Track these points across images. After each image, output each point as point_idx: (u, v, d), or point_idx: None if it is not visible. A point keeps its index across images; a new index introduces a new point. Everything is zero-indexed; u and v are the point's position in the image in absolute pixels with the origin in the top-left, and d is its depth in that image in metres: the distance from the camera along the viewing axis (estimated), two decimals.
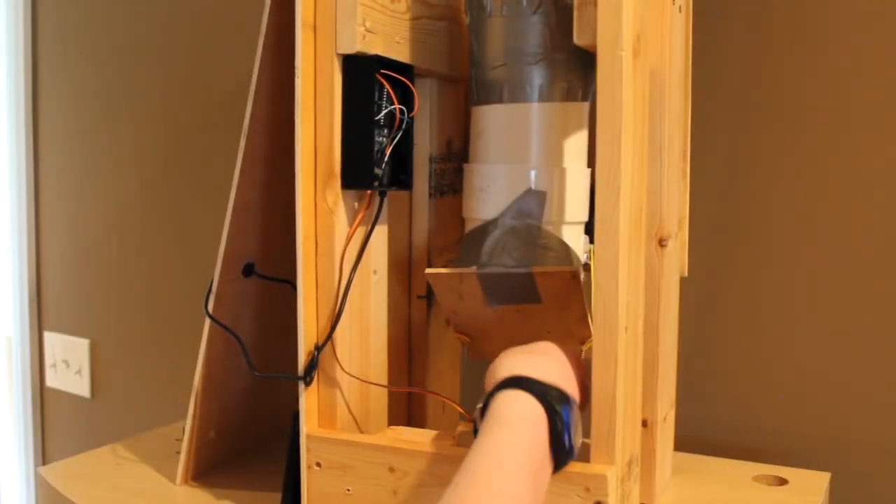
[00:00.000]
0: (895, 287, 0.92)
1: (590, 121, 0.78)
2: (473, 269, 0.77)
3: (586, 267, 0.76)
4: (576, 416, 0.62)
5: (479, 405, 0.63)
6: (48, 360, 1.74)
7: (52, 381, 1.74)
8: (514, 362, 0.65)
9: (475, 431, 0.62)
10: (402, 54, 0.77)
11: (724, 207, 1.00)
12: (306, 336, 0.75)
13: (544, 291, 0.76)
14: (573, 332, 0.79)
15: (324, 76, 0.73)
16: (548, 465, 0.60)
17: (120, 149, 1.57)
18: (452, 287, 0.78)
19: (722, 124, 1.00)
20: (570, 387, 0.65)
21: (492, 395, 0.61)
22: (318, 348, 0.75)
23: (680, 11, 0.82)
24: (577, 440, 0.62)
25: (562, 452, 0.60)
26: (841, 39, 0.93)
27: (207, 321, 0.88)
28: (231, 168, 0.85)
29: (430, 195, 0.87)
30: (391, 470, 0.72)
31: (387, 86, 0.75)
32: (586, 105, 0.78)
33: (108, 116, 1.58)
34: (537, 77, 0.75)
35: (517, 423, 0.59)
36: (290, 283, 0.77)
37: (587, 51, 0.70)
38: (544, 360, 0.66)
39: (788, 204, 0.97)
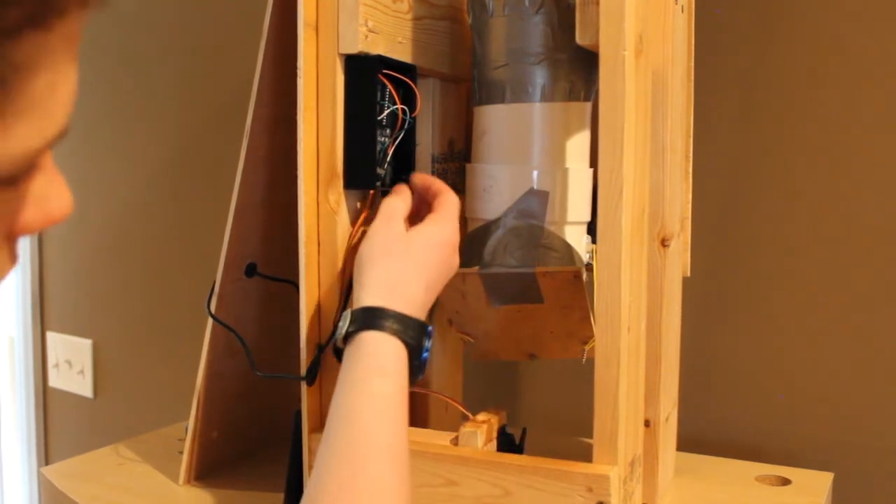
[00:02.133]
0: None
1: (592, 121, 0.78)
2: (476, 269, 0.77)
3: (589, 267, 0.76)
4: (430, 341, 0.66)
5: (344, 327, 0.64)
6: (51, 361, 1.74)
7: (54, 381, 1.74)
8: (377, 280, 0.65)
9: (337, 352, 0.65)
10: (404, 54, 0.77)
11: (726, 207, 1.00)
12: (308, 336, 0.75)
13: (547, 291, 0.76)
14: (576, 333, 0.79)
15: (326, 76, 0.73)
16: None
17: (122, 150, 1.57)
18: (455, 287, 0.78)
19: (724, 124, 1.00)
20: (427, 293, 0.67)
21: (357, 328, 0.63)
22: (321, 348, 0.75)
23: (682, 11, 0.82)
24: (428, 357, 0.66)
25: (413, 379, 0.64)
26: (844, 38, 0.93)
27: (210, 321, 0.88)
28: (233, 169, 0.85)
29: None
30: None
31: (389, 86, 0.75)
32: (588, 105, 0.78)
33: (110, 117, 1.58)
34: (540, 77, 0.75)
35: (392, 372, 0.61)
36: (293, 283, 0.77)
37: (589, 51, 0.70)
38: (405, 272, 0.66)
39: (791, 204, 0.97)
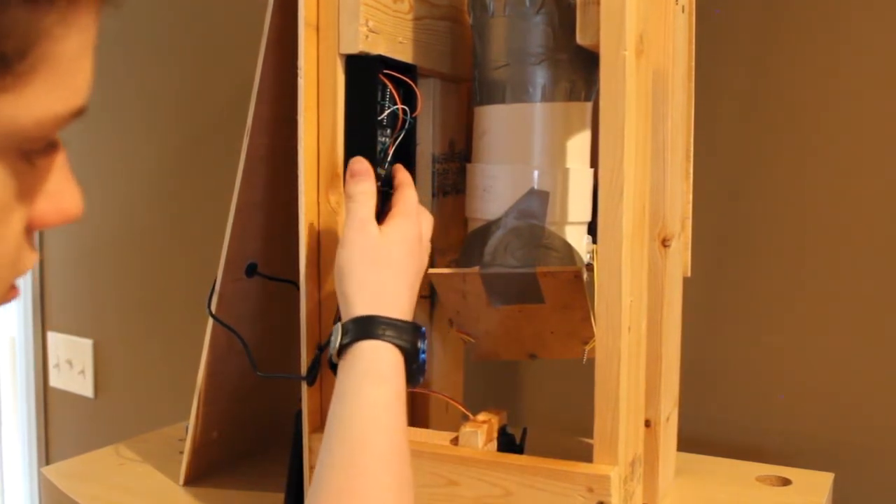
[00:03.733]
0: None
1: (593, 121, 0.78)
2: (476, 269, 0.77)
3: (589, 267, 0.76)
4: (425, 342, 0.66)
5: (337, 340, 0.63)
6: (52, 360, 1.74)
7: (55, 381, 1.74)
8: (363, 289, 0.65)
9: (332, 366, 0.65)
10: (405, 54, 0.77)
11: (727, 207, 1.00)
12: (309, 336, 0.75)
13: (547, 291, 0.76)
14: (576, 333, 0.79)
15: (326, 76, 0.73)
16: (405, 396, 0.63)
17: (123, 150, 1.57)
18: (456, 287, 0.78)
19: (725, 124, 1.00)
20: (411, 294, 0.67)
21: (351, 339, 0.62)
22: (321, 348, 0.75)
23: (683, 11, 0.82)
24: (426, 357, 0.66)
25: (415, 382, 0.64)
26: (845, 38, 0.93)
27: (210, 321, 0.88)
28: (234, 168, 0.85)
29: (433, 195, 0.86)
30: None
31: (390, 86, 0.75)
32: (589, 105, 0.78)
33: (111, 118, 1.58)
34: (540, 77, 0.75)
35: (388, 378, 0.61)
36: (293, 283, 0.77)
37: (590, 51, 0.70)
38: (388, 277, 0.66)
39: (791, 204, 0.97)
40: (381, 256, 0.66)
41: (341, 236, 0.68)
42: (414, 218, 0.69)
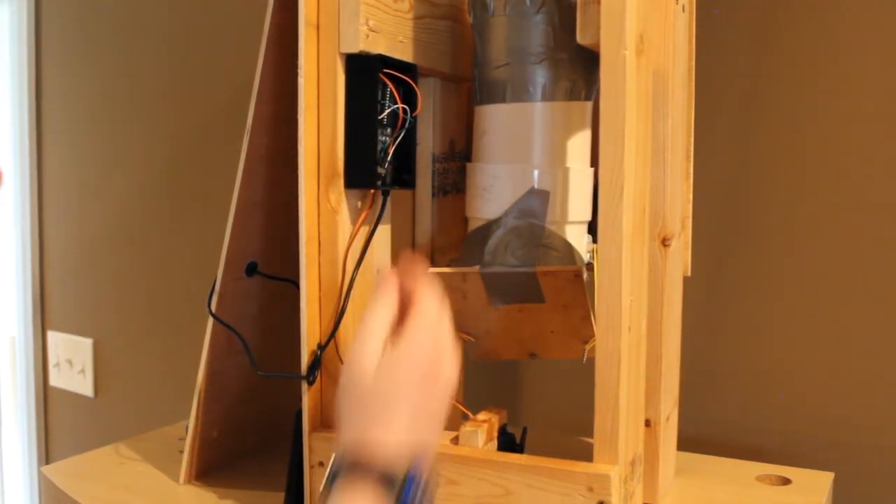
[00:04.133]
0: None
1: (593, 120, 0.78)
2: (477, 268, 0.77)
3: (589, 266, 0.76)
4: (423, 481, 0.59)
5: (327, 472, 0.59)
6: (52, 360, 1.74)
7: (55, 380, 1.74)
8: (351, 422, 0.59)
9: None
10: (405, 54, 0.77)
11: (727, 207, 1.00)
12: (309, 335, 0.75)
13: (547, 291, 0.76)
14: (576, 332, 0.79)
15: (327, 75, 0.73)
16: None
17: (123, 149, 1.57)
18: (456, 286, 0.78)
19: (725, 123, 1.00)
20: (413, 427, 0.60)
21: (332, 474, 0.58)
22: (321, 347, 0.75)
23: (683, 11, 0.82)
24: (430, 494, 0.59)
25: None
26: (845, 38, 0.93)
27: (210, 320, 0.88)
28: (234, 168, 0.85)
29: (433, 194, 0.87)
30: None
31: (390, 85, 0.75)
32: (589, 104, 0.78)
33: (111, 116, 1.58)
34: (540, 76, 0.75)
35: None
36: (293, 283, 0.77)
37: (590, 50, 0.70)
38: (380, 412, 0.59)
39: (791, 203, 0.97)
40: (378, 387, 0.60)
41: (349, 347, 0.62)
42: (418, 338, 0.61)
